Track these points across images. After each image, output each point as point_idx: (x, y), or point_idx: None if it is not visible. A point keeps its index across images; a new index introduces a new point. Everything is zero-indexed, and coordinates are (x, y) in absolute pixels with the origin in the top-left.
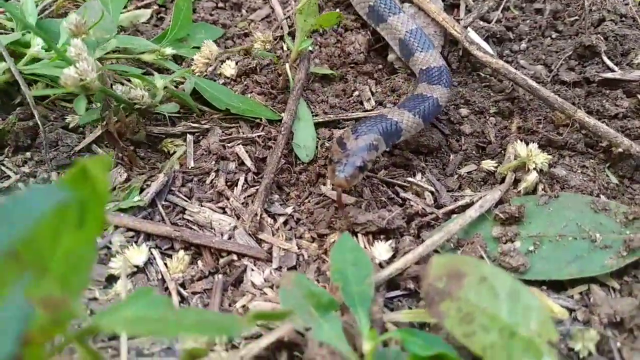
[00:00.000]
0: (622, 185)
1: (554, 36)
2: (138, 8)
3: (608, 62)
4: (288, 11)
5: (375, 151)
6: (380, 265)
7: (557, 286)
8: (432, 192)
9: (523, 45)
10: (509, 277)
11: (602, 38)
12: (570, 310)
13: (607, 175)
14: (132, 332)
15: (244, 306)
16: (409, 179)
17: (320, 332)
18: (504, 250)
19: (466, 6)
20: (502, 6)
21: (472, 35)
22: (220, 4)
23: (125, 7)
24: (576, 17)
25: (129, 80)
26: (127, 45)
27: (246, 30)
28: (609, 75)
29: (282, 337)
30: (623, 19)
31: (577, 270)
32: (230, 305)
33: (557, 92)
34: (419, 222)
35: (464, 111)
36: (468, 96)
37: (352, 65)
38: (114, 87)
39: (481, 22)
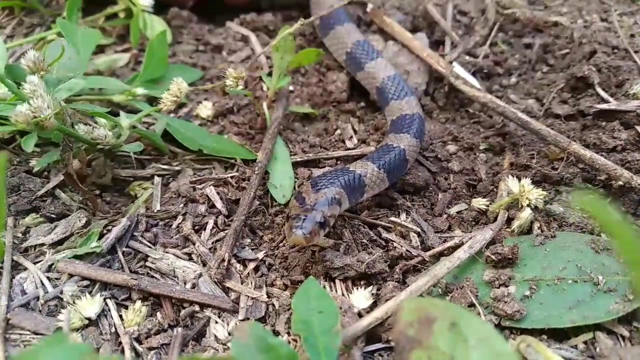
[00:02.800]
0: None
1: (544, 70)
2: (117, 52)
3: (602, 93)
4: (269, 53)
5: (338, 206)
6: (360, 315)
7: (558, 335)
8: (418, 233)
9: (513, 79)
10: (480, 322)
11: (594, 69)
12: None
13: None
14: None
15: None
16: (393, 219)
17: None
18: (497, 296)
19: (452, 42)
20: (489, 41)
21: (458, 69)
22: (201, 47)
23: (102, 51)
24: (567, 50)
25: (97, 122)
26: (96, 86)
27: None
28: (604, 106)
29: None
30: (615, 50)
31: (579, 316)
32: None
33: (551, 125)
34: (404, 266)
35: (452, 148)
36: (456, 132)
37: (334, 104)
38: (76, 127)
39: (467, 57)
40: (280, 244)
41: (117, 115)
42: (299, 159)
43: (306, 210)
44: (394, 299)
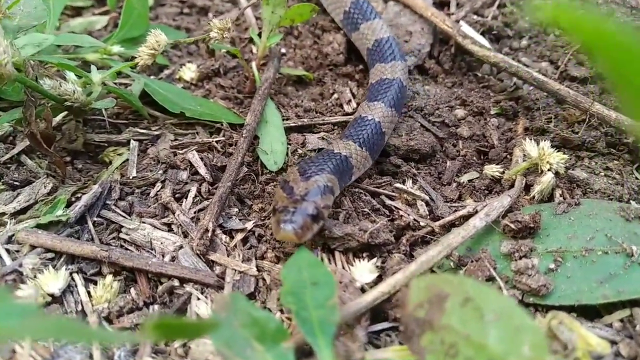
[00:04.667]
0: None
1: (557, 32)
2: (95, 15)
3: None
4: (260, 13)
5: (332, 195)
6: (362, 290)
7: (589, 312)
8: (426, 202)
9: (524, 42)
10: (497, 295)
11: None
12: (611, 343)
13: (636, 178)
14: None
15: (184, 345)
16: (398, 185)
17: None
18: (520, 269)
19: (457, 3)
20: (497, 1)
21: (466, 29)
22: (186, 10)
23: (80, 14)
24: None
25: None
26: (67, 43)
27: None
28: None
29: None
30: (634, 10)
31: (613, 291)
32: (166, 344)
33: (568, 88)
34: (411, 237)
35: (460, 112)
36: (464, 96)
37: (330, 67)
38: (40, 81)
39: (475, 17)
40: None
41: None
42: (292, 124)
43: (295, 202)
44: (402, 271)
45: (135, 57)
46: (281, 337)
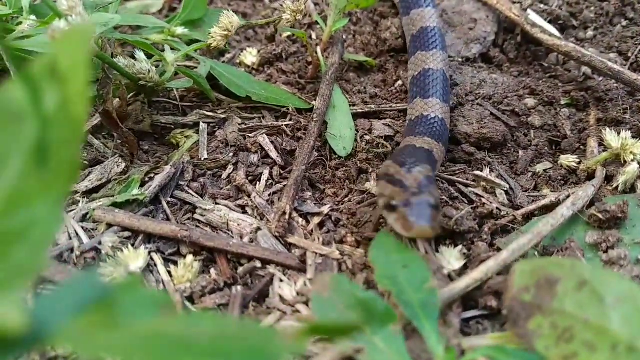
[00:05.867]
0: None
1: (624, 24)
2: None
3: None
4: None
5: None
6: (450, 277)
7: None
8: (505, 191)
9: (590, 33)
10: (617, 277)
11: None
12: None
13: None
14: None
15: (270, 327)
16: (477, 172)
17: (376, 354)
18: (612, 259)
19: None
20: None
21: (534, 17)
22: None
23: None
24: None
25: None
26: (132, 23)
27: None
28: None
29: None
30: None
31: None
32: None
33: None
34: (493, 226)
35: (530, 102)
36: (533, 86)
37: (391, 53)
38: (115, 59)
39: (542, 5)
40: (345, 199)
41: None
42: (358, 110)
43: (414, 195)
44: (494, 259)
45: (197, 41)
46: (389, 319)
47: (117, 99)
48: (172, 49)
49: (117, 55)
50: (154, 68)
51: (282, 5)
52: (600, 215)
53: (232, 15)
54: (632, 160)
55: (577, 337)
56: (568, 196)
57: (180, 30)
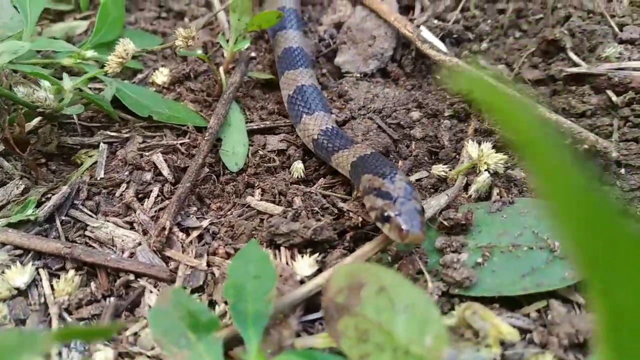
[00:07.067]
0: None
1: (517, 35)
2: (76, 20)
3: (574, 57)
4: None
5: None
6: (302, 283)
7: (512, 304)
8: None
9: (484, 45)
10: (409, 287)
11: (566, 32)
12: (526, 331)
13: None
14: None
15: (135, 334)
16: (346, 188)
17: (196, 358)
18: (446, 262)
19: (422, 7)
20: (460, 5)
21: (426, 34)
22: (164, 14)
23: (62, 19)
24: (541, 15)
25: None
26: (42, 48)
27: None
28: (574, 70)
29: None
30: (591, 15)
31: (532, 284)
32: (119, 333)
33: (520, 91)
34: (355, 234)
35: (415, 114)
36: (421, 99)
37: None
38: (15, 89)
39: (436, 21)
40: (229, 212)
41: None
42: (254, 127)
43: (402, 204)
44: (338, 265)
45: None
46: (213, 328)
47: (17, 126)
48: (82, 72)
49: (16, 84)
50: (51, 96)
51: (174, 32)
52: (445, 223)
53: (128, 42)
54: (486, 170)
55: (371, 339)
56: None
57: (90, 53)
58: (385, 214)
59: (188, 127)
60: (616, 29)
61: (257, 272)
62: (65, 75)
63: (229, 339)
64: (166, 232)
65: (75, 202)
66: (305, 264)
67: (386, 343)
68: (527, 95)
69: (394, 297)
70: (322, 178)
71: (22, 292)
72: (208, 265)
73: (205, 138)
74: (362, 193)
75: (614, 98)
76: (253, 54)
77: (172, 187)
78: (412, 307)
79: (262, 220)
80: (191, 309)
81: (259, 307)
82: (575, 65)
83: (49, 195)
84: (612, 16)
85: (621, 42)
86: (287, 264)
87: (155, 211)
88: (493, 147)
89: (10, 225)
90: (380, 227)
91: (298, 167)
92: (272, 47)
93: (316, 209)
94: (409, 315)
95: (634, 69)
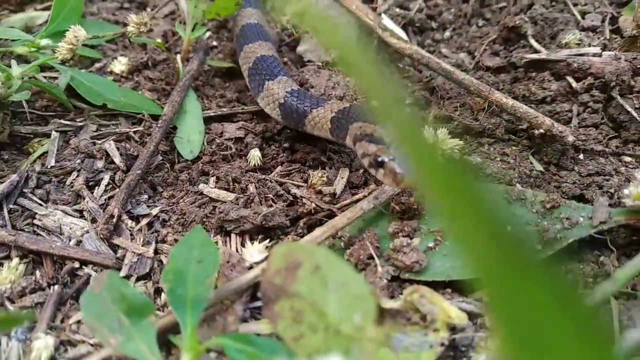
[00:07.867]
0: (548, 173)
1: (480, 24)
2: (37, 10)
3: (535, 44)
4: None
5: None
6: (250, 269)
7: (463, 288)
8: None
9: (447, 34)
10: (342, 265)
11: (527, 20)
12: (475, 315)
13: (530, 163)
14: None
15: (78, 322)
16: (303, 175)
17: (128, 344)
18: (396, 247)
19: None
20: None
21: (387, 22)
22: (126, 5)
23: (23, 10)
24: (504, 4)
25: None
26: None
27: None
28: (534, 56)
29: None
30: (554, 3)
31: None
32: (62, 321)
33: (480, 78)
34: (309, 220)
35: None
36: None
37: None
38: None
39: (399, 10)
40: (181, 200)
41: None
42: (212, 114)
43: (395, 148)
44: (276, 247)
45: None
46: (147, 312)
47: None
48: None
49: None
50: None
51: (126, 18)
52: (397, 207)
53: (78, 29)
54: (441, 155)
55: (305, 319)
56: (376, 190)
57: (45, 42)
58: (379, 159)
59: (144, 116)
60: (578, 17)
61: (200, 256)
62: (13, 62)
63: (170, 325)
64: (114, 220)
65: (25, 190)
66: (255, 250)
67: (319, 323)
68: (488, 83)
69: (328, 276)
70: (280, 166)
71: None
72: (156, 252)
73: (158, 125)
74: (353, 141)
75: (574, 84)
76: (214, 43)
77: (124, 175)
78: (344, 286)
79: (214, 207)
80: (124, 292)
81: (199, 291)
82: (536, 52)
83: None
84: (575, 4)
85: (583, 29)
86: (236, 250)
87: (105, 199)
88: (449, 134)
89: None
90: (373, 174)
91: (255, 155)
92: (232, 34)
93: (270, 195)
94: (341, 293)
95: (594, 55)
